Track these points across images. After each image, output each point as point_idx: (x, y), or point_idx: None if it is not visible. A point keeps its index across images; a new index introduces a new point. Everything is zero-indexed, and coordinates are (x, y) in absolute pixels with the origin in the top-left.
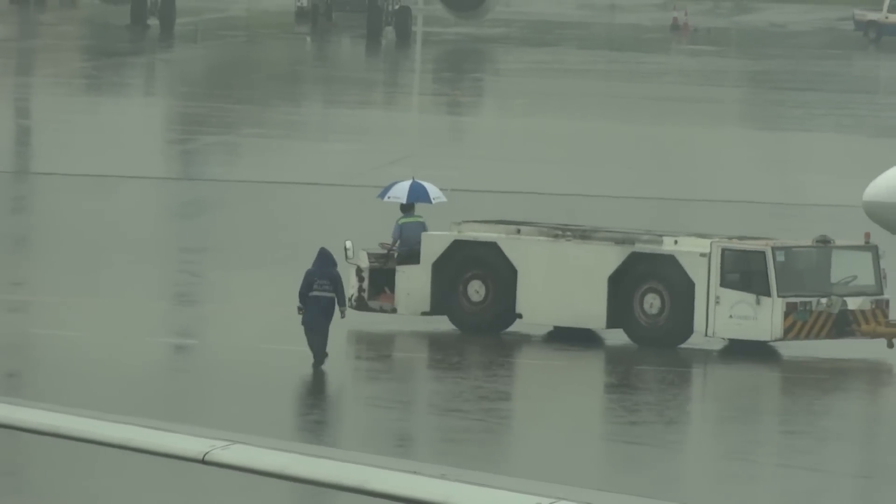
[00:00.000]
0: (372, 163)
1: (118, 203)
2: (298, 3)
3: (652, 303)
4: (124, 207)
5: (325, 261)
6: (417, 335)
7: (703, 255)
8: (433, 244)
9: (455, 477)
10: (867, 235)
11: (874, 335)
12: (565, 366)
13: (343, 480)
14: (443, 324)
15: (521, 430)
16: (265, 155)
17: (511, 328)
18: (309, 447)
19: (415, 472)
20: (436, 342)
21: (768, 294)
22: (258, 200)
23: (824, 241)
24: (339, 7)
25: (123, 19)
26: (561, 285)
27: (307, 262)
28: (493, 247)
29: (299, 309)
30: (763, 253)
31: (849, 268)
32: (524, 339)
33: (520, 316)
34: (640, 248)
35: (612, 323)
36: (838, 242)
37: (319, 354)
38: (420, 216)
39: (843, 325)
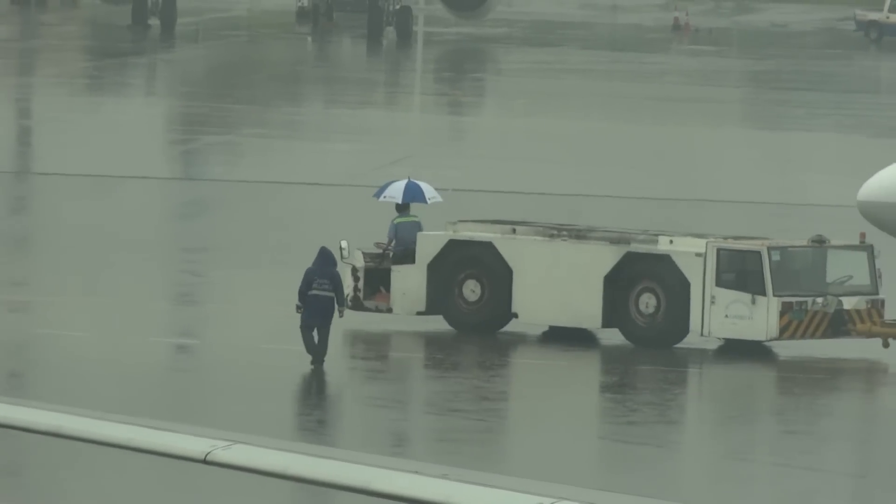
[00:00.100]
0: (373, 163)
1: (119, 203)
2: (299, 3)
3: (647, 302)
4: (126, 207)
5: (325, 260)
6: (413, 335)
7: (698, 254)
8: (429, 244)
9: (457, 477)
10: (862, 235)
11: (869, 335)
12: (562, 366)
13: (345, 480)
14: (438, 324)
15: (519, 429)
16: (266, 155)
17: (507, 328)
18: (310, 447)
19: (416, 472)
20: (432, 342)
21: (764, 294)
22: (259, 200)
23: (820, 241)
24: (340, 7)
25: (124, 19)
26: (557, 285)
27: (308, 261)
28: (488, 246)
29: (298, 307)
30: (759, 253)
31: (844, 267)
32: (520, 339)
33: (515, 315)
34: (635, 247)
35: (607, 323)
36: (834, 242)
37: (318, 354)
38: (416, 216)
39: (838, 324)
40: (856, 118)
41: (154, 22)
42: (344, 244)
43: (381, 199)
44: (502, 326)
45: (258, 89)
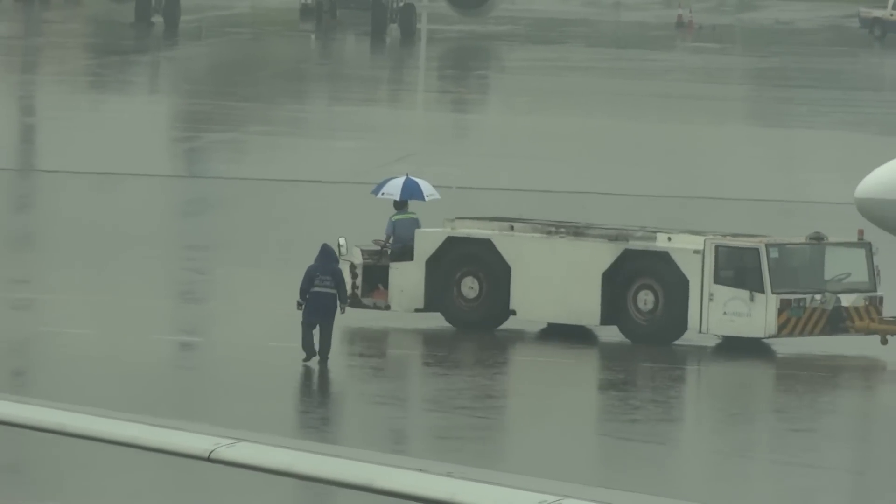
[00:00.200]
0: (377, 160)
1: (123, 201)
2: (303, 1)
3: (646, 299)
4: (129, 205)
5: (326, 257)
6: (412, 332)
7: (696, 251)
8: (427, 241)
9: (461, 475)
10: (861, 232)
11: (868, 332)
12: (562, 363)
13: (349, 478)
14: (437, 321)
15: (521, 427)
16: (270, 152)
17: (505, 325)
18: (314, 445)
19: (421, 470)
20: (431, 339)
21: (762, 291)
22: (263, 198)
23: (818, 238)
24: (344, 4)
25: (128, 17)
26: (555, 282)
27: (311, 259)
28: (486, 243)
29: (299, 304)
30: (757, 250)
31: (842, 265)
32: (518, 336)
33: (513, 313)
34: (633, 244)
35: (605, 320)
36: (832, 239)
37: (322, 352)
38: (414, 213)
39: (836, 321)
40: (860, 115)
41: (157, 19)
42: (342, 241)
43: (380, 195)
44: (500, 323)
45: (262, 87)
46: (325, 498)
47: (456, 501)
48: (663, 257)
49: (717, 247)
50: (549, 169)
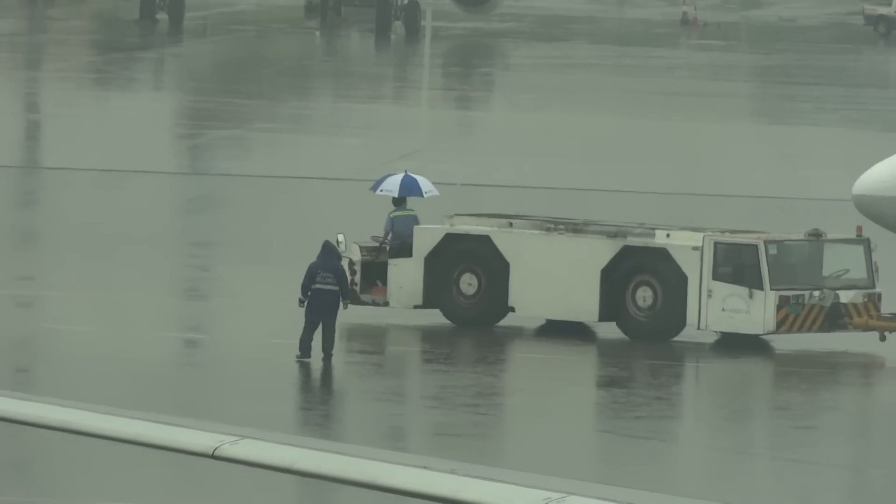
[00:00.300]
0: (381, 157)
1: (127, 198)
2: None
3: (644, 296)
4: (133, 202)
5: (328, 254)
6: (410, 329)
7: (695, 248)
8: (425, 237)
9: (464, 472)
10: (859, 229)
11: (866, 328)
12: (562, 360)
13: (353, 475)
14: (435, 317)
15: (522, 424)
16: (274, 149)
17: (503, 322)
18: (318, 442)
19: (424, 467)
20: (430, 336)
21: (761, 287)
22: (267, 195)
23: (816, 235)
24: (349, 2)
25: (132, 14)
26: (553, 279)
27: (315, 256)
28: (485, 240)
29: (301, 301)
30: (755, 246)
31: (841, 261)
32: (517, 333)
33: (512, 309)
34: (632, 241)
35: (604, 316)
36: (830, 236)
37: (326, 349)
38: (412, 209)
39: (835, 318)
40: (864, 112)
41: (162, 16)
42: (340, 237)
43: (378, 192)
44: (499, 320)
45: (266, 84)
46: (328, 495)
47: (459, 498)
48: (662, 254)
49: (715, 243)
50: (554, 166)
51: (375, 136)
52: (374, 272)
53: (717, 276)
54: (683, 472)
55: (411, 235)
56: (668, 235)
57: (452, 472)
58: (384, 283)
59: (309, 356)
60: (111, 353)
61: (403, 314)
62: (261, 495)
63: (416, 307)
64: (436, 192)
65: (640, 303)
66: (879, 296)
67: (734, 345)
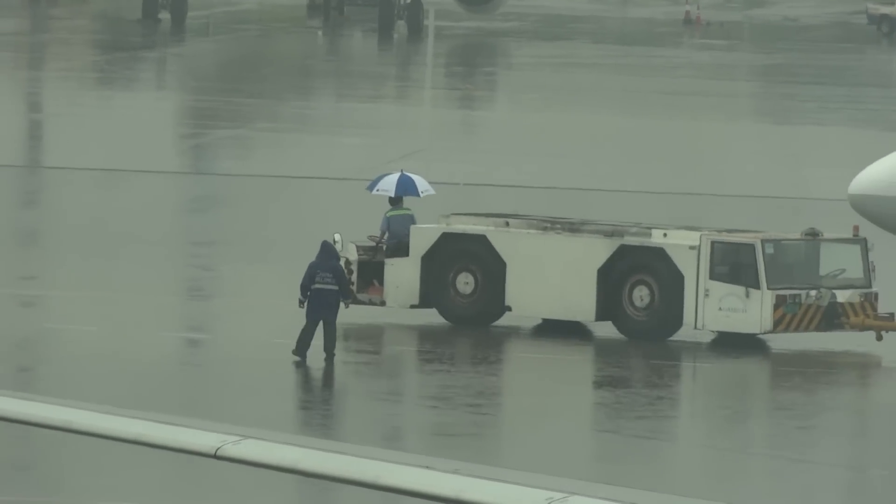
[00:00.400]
0: (384, 157)
1: (130, 197)
2: None
3: (641, 295)
4: (136, 202)
5: (327, 254)
6: (407, 328)
7: (692, 247)
8: (422, 237)
9: (467, 472)
10: (856, 228)
11: (862, 328)
12: (559, 359)
13: (355, 475)
14: (432, 317)
15: (523, 424)
16: (277, 149)
17: (500, 321)
18: (321, 442)
19: (427, 467)
20: (428, 336)
21: (758, 287)
22: (270, 195)
23: (813, 234)
24: (351, 1)
25: (135, 13)
26: (550, 278)
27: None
28: (481, 239)
29: (301, 302)
30: (752, 245)
31: (837, 261)
32: (514, 333)
33: (509, 308)
34: (629, 240)
35: (601, 316)
36: (827, 235)
37: (328, 349)
38: (409, 209)
39: (831, 317)
40: (867, 112)
41: (164, 16)
42: (337, 237)
43: (374, 192)
44: (496, 319)
45: (269, 83)
46: (331, 495)
47: (462, 498)
48: (659, 253)
49: (712, 242)
50: (556, 165)
51: (378, 136)
52: (371, 272)
53: (713, 276)
54: (685, 472)
55: (408, 235)
56: (664, 235)
57: (455, 472)
58: (381, 282)
59: (305, 356)
60: (113, 353)
61: (400, 314)
62: (263, 495)
63: (412, 307)
64: (432, 191)
65: (637, 302)
66: (876, 295)
67: (731, 344)
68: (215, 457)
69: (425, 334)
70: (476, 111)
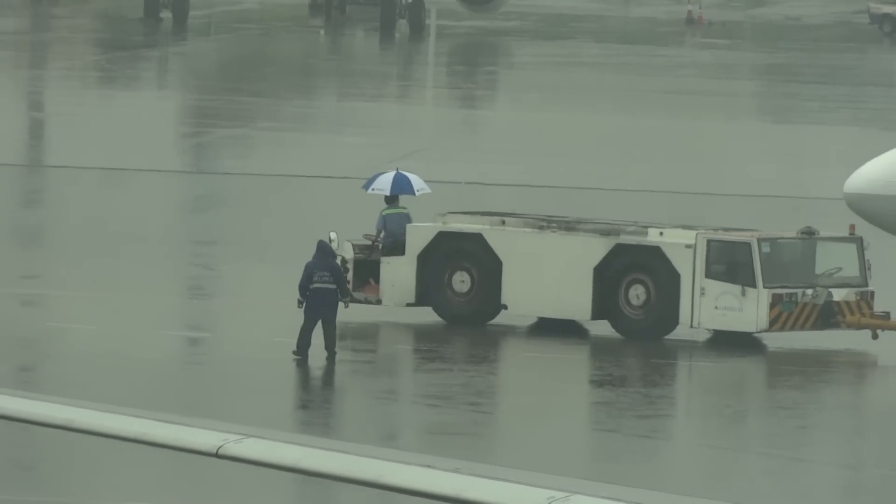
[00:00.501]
0: (385, 156)
1: (131, 197)
2: None
3: (637, 294)
4: (137, 201)
5: (324, 253)
6: (405, 327)
7: (688, 246)
8: (418, 235)
9: (469, 471)
10: (852, 227)
11: (858, 326)
12: (557, 358)
13: (357, 474)
14: (428, 315)
15: (523, 423)
16: (278, 148)
17: (496, 319)
18: (322, 441)
19: (429, 466)
20: (425, 334)
21: (754, 285)
22: (271, 194)
23: (809, 233)
24: (353, 0)
25: (136, 12)
26: (546, 277)
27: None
28: (478, 238)
29: (300, 302)
30: (748, 244)
31: (834, 259)
32: (511, 331)
33: (505, 307)
34: (625, 239)
35: (597, 314)
36: (823, 234)
37: (329, 347)
38: (405, 207)
39: (828, 316)
40: (870, 111)
41: (166, 15)
42: (333, 235)
43: (370, 191)
44: (492, 318)
45: (270, 82)
46: (332, 494)
47: (463, 497)
48: (655, 252)
49: (708, 241)
50: (558, 165)
51: (380, 135)
52: (367, 270)
53: (710, 274)
54: (685, 471)
55: (404, 233)
56: (661, 233)
57: (456, 470)
58: (377, 281)
59: (307, 355)
60: (115, 352)
61: (396, 312)
62: (264, 494)
63: (408, 305)
64: (428, 190)
65: (633, 301)
66: (872, 294)
67: (729, 343)
68: (217, 456)
69: (422, 333)
70: (478, 110)
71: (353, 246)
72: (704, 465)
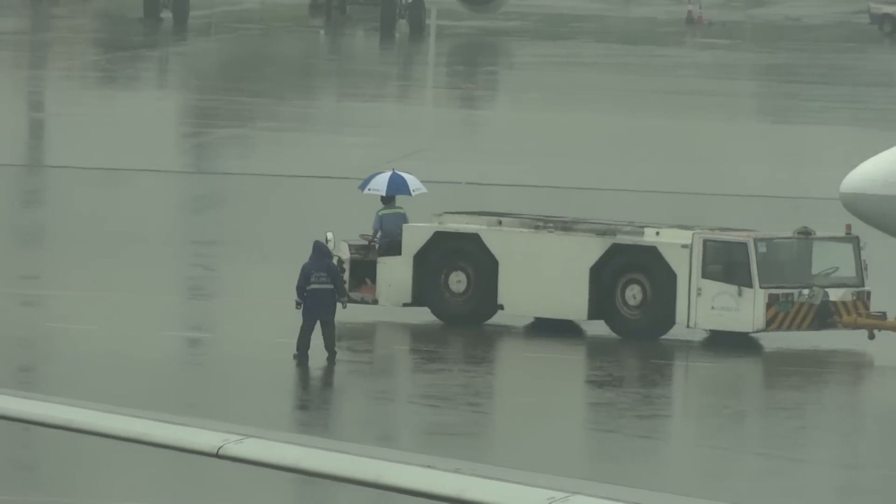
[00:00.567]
0: (385, 156)
1: (131, 197)
2: None
3: (634, 294)
4: (137, 201)
5: (320, 253)
6: (400, 327)
7: (684, 246)
8: (414, 235)
9: (469, 471)
10: (848, 227)
11: (855, 326)
12: (554, 358)
13: (357, 474)
14: (424, 315)
15: (522, 423)
16: (278, 148)
17: (492, 319)
18: (322, 441)
19: (429, 466)
20: (423, 335)
21: (750, 285)
22: (271, 194)
23: (805, 233)
24: (353, 0)
25: (137, 12)
26: (542, 277)
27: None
28: (474, 238)
29: (298, 304)
30: (745, 244)
31: (830, 259)
32: (508, 331)
33: (501, 307)
34: (621, 239)
35: (593, 314)
36: (819, 234)
37: (329, 347)
38: (401, 207)
39: (824, 316)
40: (870, 111)
41: (166, 15)
42: (329, 236)
43: (366, 191)
44: (488, 318)
45: (271, 82)
46: (332, 494)
47: (464, 498)
48: (651, 252)
49: (705, 241)
50: (558, 165)
51: (380, 135)
52: (364, 270)
53: (706, 274)
54: (684, 471)
55: (400, 233)
56: (657, 233)
57: (457, 471)
58: (373, 281)
59: (307, 356)
60: (115, 352)
61: (393, 312)
62: (264, 494)
63: (405, 305)
64: (424, 190)
65: (630, 301)
66: (868, 294)
67: (725, 343)
68: (217, 456)
69: (420, 333)
70: (478, 111)
71: (350, 246)
72: (703, 466)
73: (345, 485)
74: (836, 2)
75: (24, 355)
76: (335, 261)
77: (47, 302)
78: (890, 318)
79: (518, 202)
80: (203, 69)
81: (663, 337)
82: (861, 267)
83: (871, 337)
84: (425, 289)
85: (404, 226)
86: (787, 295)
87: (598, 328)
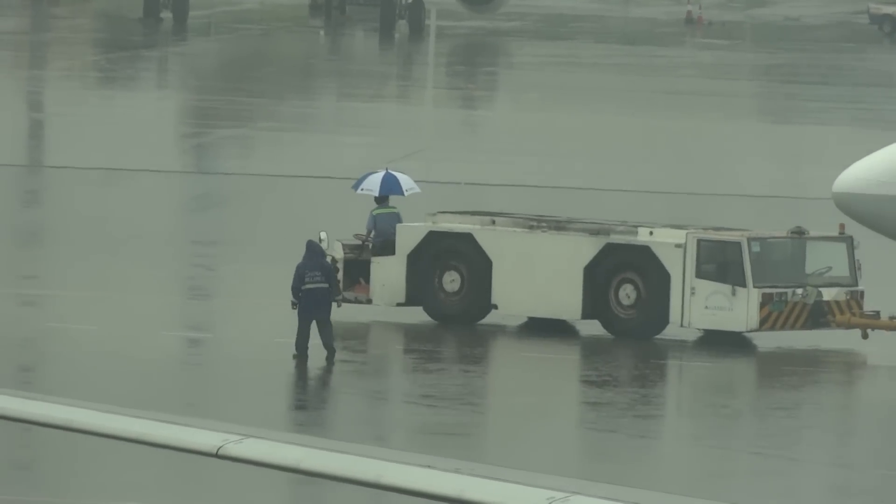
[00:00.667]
0: (385, 156)
1: (131, 197)
2: None
3: (627, 294)
4: (137, 201)
5: (313, 253)
6: (394, 326)
7: (678, 245)
8: (408, 235)
9: (469, 471)
10: (842, 227)
11: (848, 326)
12: (549, 358)
13: (357, 474)
14: (418, 315)
15: (520, 423)
16: (278, 148)
17: (486, 319)
18: (322, 441)
19: (429, 466)
20: (418, 334)
21: (744, 285)
22: (271, 194)
23: (799, 232)
24: (353, 0)
25: (136, 12)
26: (536, 276)
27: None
28: (468, 238)
29: (293, 304)
30: (738, 244)
31: (824, 259)
32: (502, 331)
33: (495, 307)
34: (615, 238)
35: (587, 314)
36: (813, 233)
37: (328, 346)
38: (395, 207)
39: (818, 315)
40: (869, 112)
41: (166, 15)
42: (323, 235)
43: (359, 191)
44: (482, 318)
45: (270, 83)
46: (332, 494)
47: (463, 498)
48: (645, 251)
49: (698, 241)
50: (558, 165)
51: (379, 136)
52: (357, 270)
53: (700, 274)
54: (683, 471)
55: (394, 233)
56: (651, 233)
57: (456, 470)
58: (367, 280)
59: (306, 355)
60: (115, 352)
61: (386, 312)
62: (264, 494)
63: (398, 305)
64: (417, 190)
65: (624, 300)
66: (862, 293)
67: (720, 343)
68: (217, 456)
69: (415, 333)
70: (477, 111)
71: (344, 246)
72: (701, 465)
73: (345, 485)
74: (836, 2)
75: (24, 355)
76: (329, 260)
77: (47, 302)
78: (883, 317)
79: (517, 202)
80: (203, 69)
81: (657, 336)
82: (855, 266)
83: (865, 336)
84: (419, 288)
85: (398, 225)
86: (780, 294)
87: (592, 328)
